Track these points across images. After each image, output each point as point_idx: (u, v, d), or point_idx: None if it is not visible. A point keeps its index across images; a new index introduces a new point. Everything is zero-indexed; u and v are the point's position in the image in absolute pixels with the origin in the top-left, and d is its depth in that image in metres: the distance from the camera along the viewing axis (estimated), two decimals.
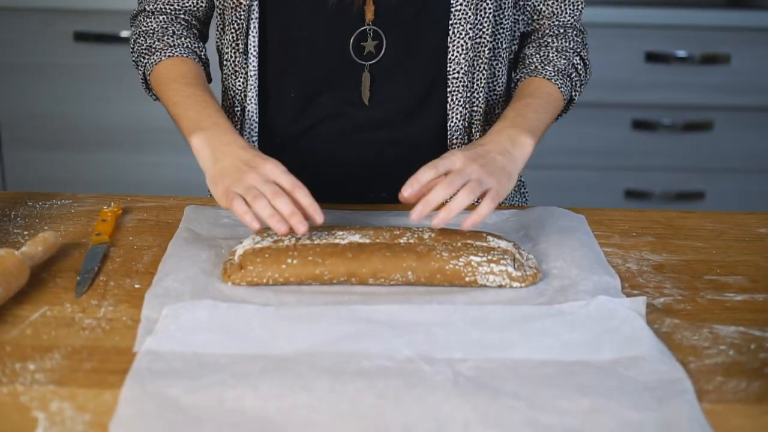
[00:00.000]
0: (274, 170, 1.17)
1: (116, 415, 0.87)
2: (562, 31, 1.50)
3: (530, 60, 1.48)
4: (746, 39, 2.70)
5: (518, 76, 1.48)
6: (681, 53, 2.71)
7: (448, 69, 1.42)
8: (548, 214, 1.35)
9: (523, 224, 1.33)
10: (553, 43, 1.49)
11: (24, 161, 2.80)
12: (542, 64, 1.46)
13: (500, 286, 1.15)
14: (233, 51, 1.44)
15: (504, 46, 1.46)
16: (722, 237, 1.34)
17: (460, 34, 1.40)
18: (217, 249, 1.22)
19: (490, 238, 1.19)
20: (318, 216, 1.14)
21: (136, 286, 1.14)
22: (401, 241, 1.17)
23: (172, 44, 1.42)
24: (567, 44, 1.49)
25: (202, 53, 1.46)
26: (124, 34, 2.65)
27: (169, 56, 1.41)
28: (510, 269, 1.14)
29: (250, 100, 1.44)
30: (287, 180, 1.16)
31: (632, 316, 1.06)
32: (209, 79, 1.47)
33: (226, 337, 1.02)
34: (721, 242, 1.32)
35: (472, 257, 1.14)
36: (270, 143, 1.49)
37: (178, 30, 1.45)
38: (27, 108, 2.76)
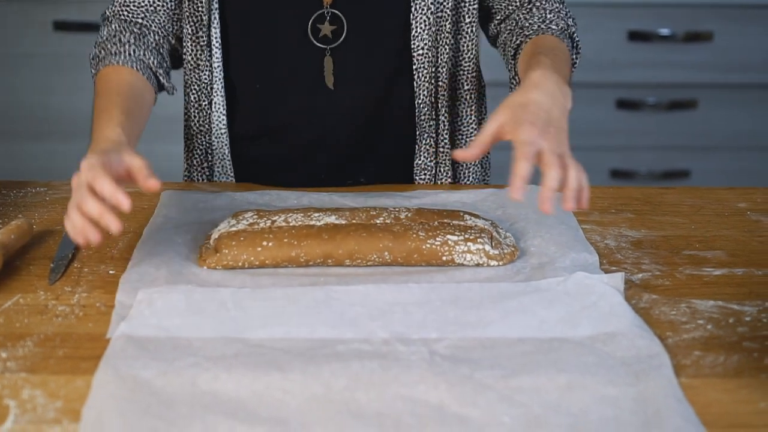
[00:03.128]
0: (82, 167, 1.04)
1: (89, 398, 0.87)
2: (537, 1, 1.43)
3: (528, 23, 1.40)
4: (729, 16, 2.69)
5: (518, 40, 1.39)
6: (664, 31, 2.70)
7: (413, 45, 1.41)
8: (526, 192, 1.34)
9: (502, 203, 1.32)
10: (543, 4, 1.41)
11: (8, 152, 2.78)
12: (544, 23, 1.39)
13: (478, 265, 1.14)
14: (194, 44, 1.41)
15: (468, 20, 1.44)
16: (701, 212, 1.33)
17: (422, 9, 1.39)
18: (192, 234, 1.21)
19: (467, 216, 1.18)
20: (123, 199, 1.00)
21: (111, 272, 1.13)
22: (377, 221, 1.16)
23: (113, 52, 1.35)
24: (555, 6, 1.42)
25: (151, 60, 1.37)
26: None
27: (105, 65, 1.35)
28: (487, 248, 1.14)
29: (216, 92, 1.42)
30: (87, 176, 1.03)
31: (610, 291, 1.06)
32: (161, 86, 1.39)
33: (201, 321, 1.01)
34: (700, 217, 1.32)
35: (448, 236, 1.13)
36: (241, 135, 1.48)
37: (125, 37, 1.37)
38: (9, 99, 2.74)
